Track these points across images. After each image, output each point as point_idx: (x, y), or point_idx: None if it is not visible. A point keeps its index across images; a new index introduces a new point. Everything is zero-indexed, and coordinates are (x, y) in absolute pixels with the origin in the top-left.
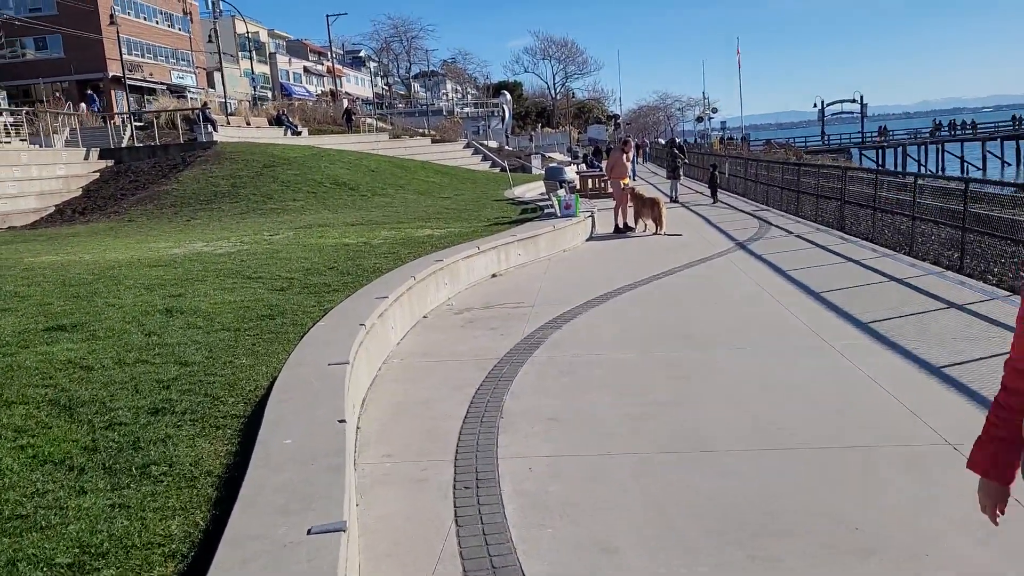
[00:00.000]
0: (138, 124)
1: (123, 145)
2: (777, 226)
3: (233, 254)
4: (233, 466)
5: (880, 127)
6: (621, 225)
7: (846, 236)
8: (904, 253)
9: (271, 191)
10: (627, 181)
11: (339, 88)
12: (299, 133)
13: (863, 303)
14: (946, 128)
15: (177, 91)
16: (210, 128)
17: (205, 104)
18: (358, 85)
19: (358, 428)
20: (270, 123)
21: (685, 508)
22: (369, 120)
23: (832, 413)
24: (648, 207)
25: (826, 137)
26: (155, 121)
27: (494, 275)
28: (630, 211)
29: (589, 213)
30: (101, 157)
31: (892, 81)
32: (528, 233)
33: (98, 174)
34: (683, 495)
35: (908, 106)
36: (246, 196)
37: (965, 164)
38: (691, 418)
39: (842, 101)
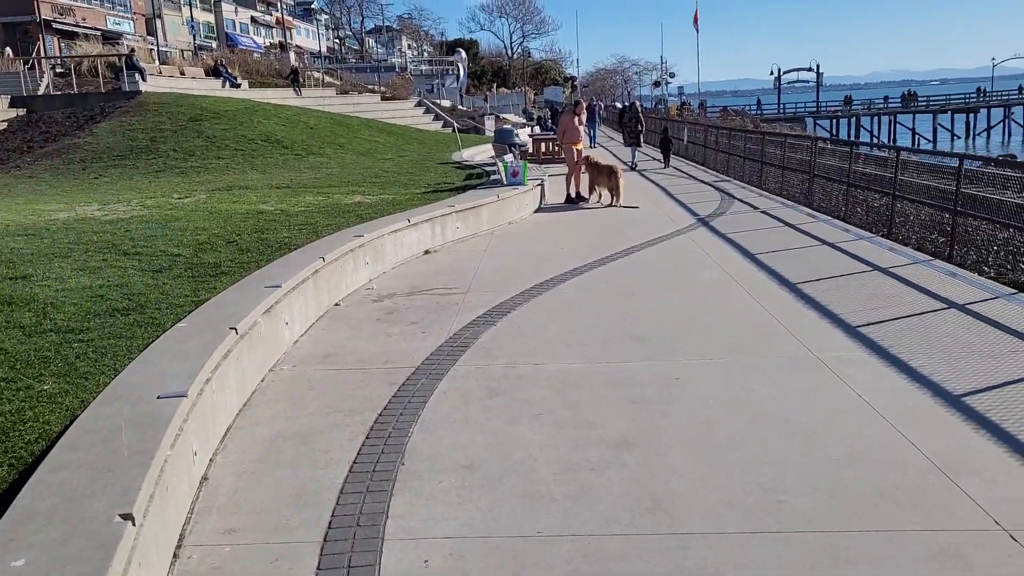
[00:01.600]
0: (60, 71)
1: (39, 93)
2: (740, 200)
3: (124, 220)
4: None
5: (846, 96)
6: (573, 195)
7: (815, 213)
8: (882, 236)
9: (194, 147)
10: (581, 147)
11: (289, 41)
12: (238, 86)
13: (848, 299)
14: (922, 99)
15: (112, 38)
16: (136, 76)
17: (132, 50)
18: (309, 38)
19: (205, 479)
20: (207, 74)
21: None
22: (316, 74)
23: (838, 469)
24: (604, 176)
25: (781, 106)
26: (75, 68)
27: (427, 252)
28: (584, 179)
29: (539, 181)
30: (12, 105)
31: (843, 53)
32: (469, 203)
33: (6, 124)
34: None
35: (858, 77)
36: (165, 152)
37: (916, 136)
38: (651, 472)
39: (799, 70)
